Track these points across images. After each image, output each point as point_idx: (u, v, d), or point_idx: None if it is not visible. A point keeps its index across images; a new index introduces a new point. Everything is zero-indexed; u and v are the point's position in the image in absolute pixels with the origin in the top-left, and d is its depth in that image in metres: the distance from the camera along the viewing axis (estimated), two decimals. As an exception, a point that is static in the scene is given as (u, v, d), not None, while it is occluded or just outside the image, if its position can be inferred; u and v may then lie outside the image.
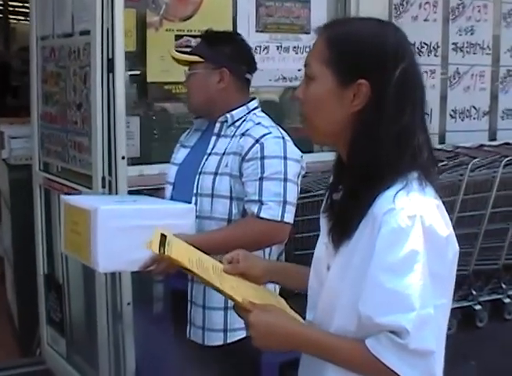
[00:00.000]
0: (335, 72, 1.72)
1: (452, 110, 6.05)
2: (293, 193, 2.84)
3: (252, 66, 3.10)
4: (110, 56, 3.54)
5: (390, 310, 1.57)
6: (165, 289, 3.68)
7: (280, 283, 2.29)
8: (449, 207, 1.76)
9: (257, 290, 1.97)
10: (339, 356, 1.66)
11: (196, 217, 2.90)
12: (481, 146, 5.99)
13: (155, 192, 3.47)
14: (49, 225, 4.56)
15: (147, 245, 1.97)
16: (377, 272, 1.59)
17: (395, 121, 1.67)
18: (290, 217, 2.83)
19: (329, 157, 4.70)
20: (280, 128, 2.97)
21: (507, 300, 5.78)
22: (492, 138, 6.35)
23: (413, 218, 1.59)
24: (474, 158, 5.37)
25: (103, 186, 3.62)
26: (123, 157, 3.56)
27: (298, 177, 2.91)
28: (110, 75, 3.55)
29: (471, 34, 6.10)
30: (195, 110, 3.14)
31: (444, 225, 1.64)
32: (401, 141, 1.67)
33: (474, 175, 5.33)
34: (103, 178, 3.62)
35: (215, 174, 2.91)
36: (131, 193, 3.66)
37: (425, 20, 5.66)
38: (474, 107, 6.21)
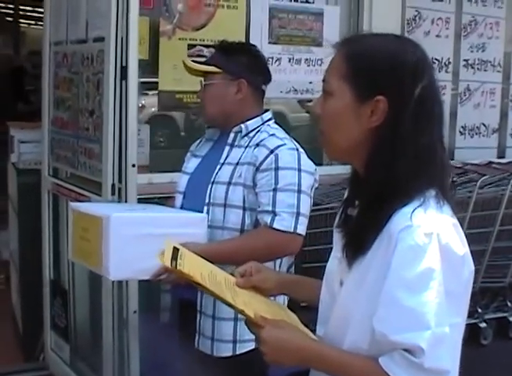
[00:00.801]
0: (353, 88, 1.72)
1: (462, 127, 6.04)
2: (306, 205, 2.84)
3: (268, 78, 3.11)
4: (124, 64, 3.54)
5: (405, 328, 1.56)
6: (172, 298, 3.66)
7: (291, 296, 2.27)
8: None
9: (268, 305, 1.96)
10: (350, 374, 1.66)
11: (208, 227, 2.89)
12: (490, 163, 5.96)
13: (164, 200, 3.47)
14: (57, 231, 4.57)
15: (159, 258, 1.95)
16: (393, 289, 1.59)
17: (414, 139, 1.67)
18: (302, 229, 2.83)
19: (338, 170, 4.77)
20: (294, 140, 2.97)
21: None
22: (501, 155, 6.33)
23: (430, 235, 1.59)
24: (483, 175, 5.36)
25: (113, 194, 3.62)
26: (133, 165, 3.56)
27: (312, 189, 2.91)
28: (123, 83, 3.55)
29: (483, 51, 6.10)
30: (210, 120, 3.13)
31: (460, 244, 1.64)
32: (419, 159, 1.67)
33: (483, 192, 5.32)
34: (113, 186, 3.62)
35: (229, 184, 2.91)
36: (140, 200, 3.66)
37: (437, 36, 5.66)
38: (484, 124, 6.20)
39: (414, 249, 1.58)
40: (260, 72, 3.06)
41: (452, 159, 5.80)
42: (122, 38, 3.54)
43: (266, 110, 3.07)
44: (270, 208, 2.80)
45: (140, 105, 4.52)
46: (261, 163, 2.85)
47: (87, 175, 3.97)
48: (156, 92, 4.34)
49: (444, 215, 1.66)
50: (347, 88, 1.72)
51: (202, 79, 3.08)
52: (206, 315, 2.94)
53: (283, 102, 5.29)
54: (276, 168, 2.83)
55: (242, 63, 3.01)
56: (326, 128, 1.78)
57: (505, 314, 5.75)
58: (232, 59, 3.01)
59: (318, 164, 3.15)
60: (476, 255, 5.14)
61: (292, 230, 2.79)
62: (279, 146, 2.87)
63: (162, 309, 4.09)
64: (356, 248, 1.71)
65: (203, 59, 3.36)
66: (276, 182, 2.81)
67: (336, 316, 1.79)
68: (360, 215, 1.74)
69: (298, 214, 2.80)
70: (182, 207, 3.06)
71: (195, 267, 1.97)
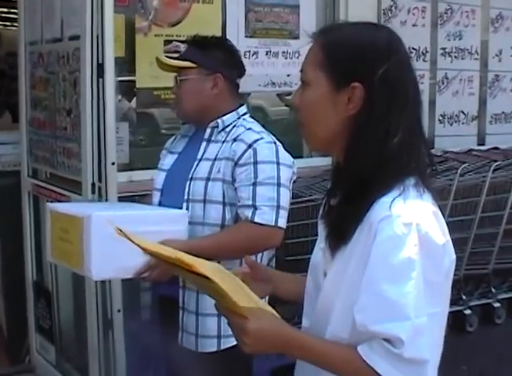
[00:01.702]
0: (329, 76, 1.71)
1: (441, 115, 6.05)
2: (286, 198, 2.84)
3: (242, 71, 3.11)
4: (100, 61, 3.53)
5: (385, 318, 1.56)
6: (153, 296, 3.65)
7: (276, 292, 2.22)
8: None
9: (252, 298, 1.93)
10: (331, 363, 1.65)
11: (188, 223, 2.88)
12: (470, 150, 5.98)
13: (142, 198, 3.45)
14: (38, 232, 4.53)
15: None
16: (373, 280, 1.58)
17: (386, 123, 1.66)
18: (283, 222, 2.83)
19: (318, 162, 4.76)
20: (270, 134, 2.97)
21: (497, 304, 5.78)
22: (481, 142, 6.35)
23: (409, 225, 1.58)
24: (464, 163, 5.39)
25: (93, 192, 3.60)
26: (113, 163, 3.55)
27: (290, 182, 2.91)
28: (100, 80, 3.53)
29: (459, 39, 6.11)
30: (186, 116, 3.10)
31: (440, 233, 1.62)
32: (392, 143, 1.66)
33: (464, 180, 5.35)
34: (93, 185, 3.61)
35: (207, 179, 2.89)
36: (121, 199, 3.64)
37: (414, 25, 5.66)
38: (463, 112, 6.22)
39: (393, 239, 1.57)
40: (235, 66, 3.06)
41: (432, 147, 5.79)
42: (98, 36, 3.52)
43: (241, 105, 3.07)
44: (250, 202, 2.80)
45: (118, 102, 4.52)
46: (240, 157, 2.85)
47: (66, 175, 3.95)
48: (134, 89, 4.33)
49: (424, 203, 1.65)
50: (324, 77, 1.72)
51: (176, 75, 3.05)
52: (189, 311, 2.93)
53: (262, 95, 5.26)
54: (255, 162, 2.83)
55: (217, 57, 2.99)
56: (305, 119, 1.78)
57: (489, 300, 5.76)
58: (208, 53, 2.98)
59: (298, 156, 3.16)
60: (458, 243, 5.19)
61: (273, 224, 2.79)
62: (256, 140, 2.87)
63: (145, 307, 4.08)
64: (338, 238, 1.71)
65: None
66: (256, 176, 2.81)
67: (319, 307, 1.79)
68: (340, 204, 1.74)
69: (278, 207, 2.80)
70: (159, 205, 3.04)
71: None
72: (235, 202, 2.86)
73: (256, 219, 2.78)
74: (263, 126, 3.03)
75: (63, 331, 4.44)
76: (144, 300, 4.09)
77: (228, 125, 2.97)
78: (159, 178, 3.10)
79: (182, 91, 3.01)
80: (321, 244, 1.82)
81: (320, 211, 1.88)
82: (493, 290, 5.79)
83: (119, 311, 3.65)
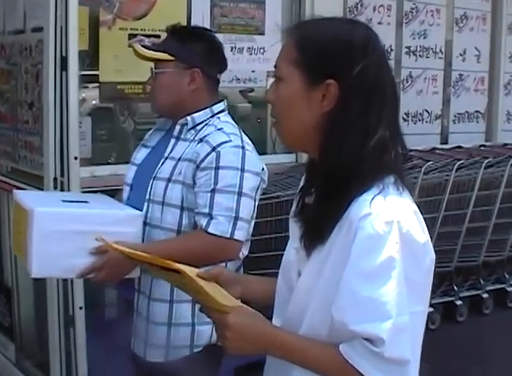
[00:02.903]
0: (303, 73, 1.69)
1: (405, 114, 6.08)
2: (247, 209, 2.66)
3: (223, 66, 2.90)
4: (64, 54, 3.45)
5: (365, 318, 1.53)
6: (118, 295, 3.60)
7: (248, 297, 2.16)
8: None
9: (227, 296, 1.89)
10: (313, 361, 1.62)
11: (147, 224, 2.74)
12: (434, 149, 6.04)
13: (114, 193, 3.34)
14: (-1, 226, 4.46)
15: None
16: (353, 279, 1.55)
17: (365, 122, 1.64)
18: (241, 234, 2.63)
19: (282, 159, 4.74)
20: (244, 137, 2.77)
21: (486, 295, 5.99)
22: (444, 141, 6.42)
23: (390, 223, 1.55)
24: (428, 161, 5.41)
25: (55, 187, 3.54)
26: (75, 158, 3.48)
27: (257, 191, 2.72)
28: (64, 74, 3.46)
29: (424, 37, 6.16)
30: (160, 110, 2.91)
31: (421, 232, 1.60)
32: (372, 143, 1.63)
33: (428, 178, 5.37)
34: (55, 179, 3.54)
35: (168, 180, 2.72)
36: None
37: (379, 23, 5.69)
38: (427, 111, 6.27)
39: (374, 238, 1.55)
40: (215, 60, 2.84)
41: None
42: (62, 28, 3.45)
43: (220, 101, 2.86)
44: (207, 211, 2.61)
45: (81, 97, 4.46)
46: (202, 160, 2.65)
47: (28, 169, 3.87)
48: (97, 83, 4.27)
49: (404, 201, 1.62)
50: (298, 74, 1.69)
51: (152, 66, 2.88)
52: (141, 316, 2.81)
53: (225, 92, 5.23)
54: (217, 168, 2.63)
55: (197, 50, 2.78)
56: (279, 115, 1.75)
57: (478, 291, 5.97)
58: (187, 46, 2.78)
59: (262, 153, 3.08)
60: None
61: (228, 236, 2.60)
62: (222, 143, 2.66)
63: (109, 305, 4.03)
64: (314, 237, 1.67)
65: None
66: (215, 183, 2.62)
67: (293, 306, 1.75)
68: (316, 203, 1.71)
69: (237, 218, 2.61)
70: (128, 201, 2.90)
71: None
72: (194, 207, 2.67)
73: (210, 229, 2.60)
74: (239, 127, 2.84)
75: (24, 329, 4.36)
76: (108, 298, 4.03)
77: (200, 123, 2.77)
78: (129, 172, 2.94)
79: (156, 84, 2.84)
80: (294, 244, 1.78)
81: (293, 209, 1.84)
82: (482, 281, 6.00)
83: (81, 308, 3.59)
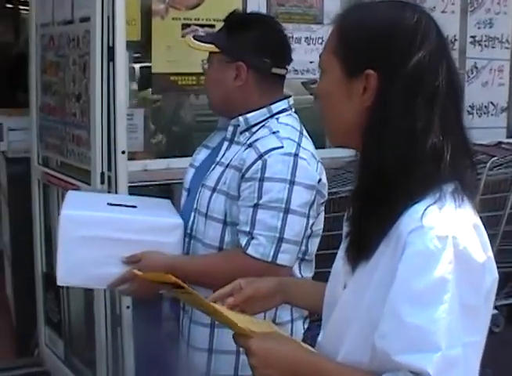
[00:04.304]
0: (342, 62, 1.53)
1: (470, 106, 5.82)
2: (296, 229, 2.34)
3: (281, 58, 2.54)
4: (111, 45, 3.33)
5: (410, 348, 1.34)
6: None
7: (293, 303, 2.02)
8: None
9: (257, 323, 1.75)
10: None
11: (192, 237, 2.52)
12: (499, 143, 5.76)
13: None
14: (48, 222, 4.38)
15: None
16: (398, 302, 1.36)
17: (406, 119, 1.45)
18: (286, 258, 2.33)
19: (341, 153, 4.53)
20: (304, 142, 2.43)
21: None
22: (511, 135, 6.13)
23: (445, 239, 1.36)
24: (493, 156, 5.19)
25: (102, 182, 3.41)
26: (123, 152, 3.35)
27: (311, 207, 2.39)
28: (111, 64, 3.34)
29: (490, 27, 5.89)
30: (212, 108, 2.68)
31: (481, 249, 1.40)
32: (418, 142, 1.44)
33: (493, 174, 5.16)
34: (102, 174, 3.41)
35: (213, 190, 2.46)
36: (134, 189, 3.46)
37: (443, 12, 5.45)
38: (492, 103, 6.00)
39: (425, 255, 1.36)
40: (268, 52, 2.48)
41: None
42: (109, 17, 3.32)
43: (281, 99, 2.53)
44: (247, 229, 2.32)
45: (133, 88, 4.37)
46: (247, 169, 2.35)
47: (76, 164, 3.77)
48: (150, 74, 4.18)
49: (463, 213, 1.43)
50: (337, 63, 1.54)
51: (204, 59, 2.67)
52: (184, 338, 2.63)
53: (287, 83, 5.10)
54: (261, 179, 2.32)
55: (244, 41, 2.48)
56: (322, 109, 1.60)
57: None
58: (234, 36, 2.50)
59: (320, 147, 2.83)
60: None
61: (269, 259, 2.30)
62: (271, 150, 2.34)
63: (155, 305, 3.92)
64: (358, 252, 1.50)
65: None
66: (259, 197, 2.32)
67: (334, 322, 1.60)
68: (360, 212, 1.53)
69: (281, 239, 2.30)
70: (184, 207, 2.67)
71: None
72: (238, 223, 2.39)
73: (249, 251, 2.31)
74: (305, 130, 2.51)
75: (72, 325, 4.29)
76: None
77: (256, 124, 2.47)
78: (188, 175, 2.70)
79: (206, 78, 2.65)
80: (341, 253, 1.61)
81: (346, 213, 1.66)
82: None
83: (128, 307, 3.48)
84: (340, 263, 1.63)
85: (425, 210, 1.40)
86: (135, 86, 4.37)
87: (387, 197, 1.44)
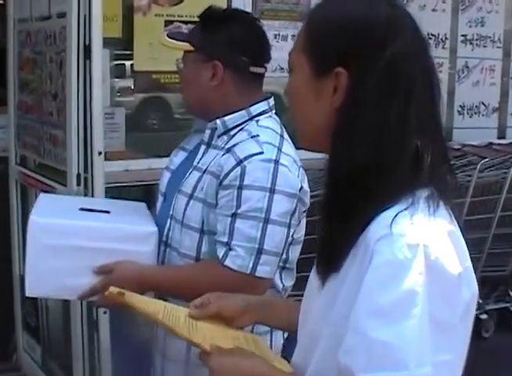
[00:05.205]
0: (311, 60, 1.42)
1: (460, 106, 5.79)
2: (276, 239, 2.22)
3: (259, 56, 2.41)
4: (87, 42, 3.21)
5: (375, 366, 1.22)
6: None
7: (265, 323, 1.90)
8: (456, 211, 1.40)
9: (235, 337, 1.66)
10: None
11: (167, 245, 2.41)
12: (490, 144, 5.72)
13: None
14: (26, 223, 4.25)
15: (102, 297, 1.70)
16: (363, 316, 1.25)
17: (376, 120, 1.33)
18: (266, 270, 2.22)
19: (325, 154, 4.44)
20: (285, 147, 2.30)
21: None
22: (501, 136, 6.08)
23: (415, 248, 1.24)
24: (483, 158, 5.12)
25: (78, 184, 3.29)
26: (100, 153, 3.23)
27: (292, 216, 2.27)
28: (87, 63, 3.23)
29: (482, 25, 5.83)
30: (189, 109, 2.58)
31: (456, 260, 1.28)
32: (388, 144, 1.33)
33: (483, 176, 5.09)
34: (78, 176, 3.30)
35: (190, 197, 2.33)
36: (115, 189, 3.35)
37: (433, 10, 5.39)
38: (483, 103, 5.94)
39: (393, 265, 1.24)
40: (246, 50, 2.37)
41: (450, 140, 5.52)
42: (85, 14, 3.21)
43: (262, 100, 2.40)
44: (225, 239, 2.21)
45: (116, 87, 4.27)
46: (226, 176, 2.23)
47: (53, 164, 3.65)
48: (132, 72, 4.10)
49: (437, 220, 1.31)
50: (306, 61, 1.42)
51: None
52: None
53: (276, 81, 5.02)
54: (240, 187, 2.20)
55: (220, 38, 2.35)
56: (291, 110, 1.49)
57: (507, 304, 5.54)
58: (210, 34, 2.37)
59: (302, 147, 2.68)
60: (476, 243, 4.93)
61: (248, 271, 2.19)
62: (250, 156, 2.22)
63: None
64: (327, 265, 1.39)
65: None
66: (238, 206, 2.19)
67: (304, 338, 1.49)
68: (327, 219, 1.41)
69: (260, 251, 2.19)
70: (159, 212, 2.54)
71: (146, 302, 1.70)
72: (216, 231, 2.27)
73: (227, 262, 2.20)
74: (285, 133, 2.36)
75: (50, 330, 4.18)
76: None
77: (234, 127, 2.34)
78: (163, 179, 2.57)
79: (181, 78, 2.53)
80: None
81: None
82: (511, 293, 5.58)
83: (105, 313, 3.38)
84: (313, 277, 1.52)
85: (395, 216, 1.28)
86: (116, 84, 4.27)
87: (358, 203, 1.33)
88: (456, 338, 1.29)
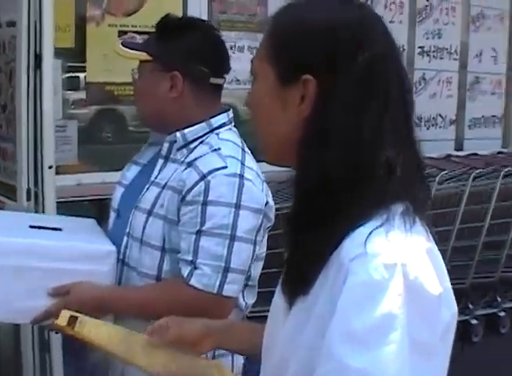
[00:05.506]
0: (275, 67, 1.33)
1: (418, 118, 5.75)
2: (242, 257, 2.13)
3: (219, 67, 2.32)
4: (38, 52, 3.11)
5: None
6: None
7: (228, 348, 1.82)
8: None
9: (196, 365, 1.58)
10: None
11: (125, 264, 2.28)
12: (448, 156, 5.76)
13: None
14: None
15: (53, 323, 1.61)
16: (337, 342, 1.15)
17: (349, 130, 1.25)
18: (233, 289, 2.13)
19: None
20: (248, 160, 2.22)
21: (502, 314, 5.68)
22: (459, 148, 6.13)
23: (393, 267, 1.15)
24: (442, 170, 5.13)
25: (28, 199, 3.17)
26: (50, 167, 3.12)
27: (258, 233, 2.18)
28: (38, 73, 3.12)
29: (439, 37, 5.88)
30: (145, 122, 2.46)
31: (436, 279, 1.20)
32: (361, 156, 1.25)
33: (442, 189, 5.09)
34: (28, 190, 3.18)
35: (149, 213, 2.22)
36: (67, 204, 3.26)
37: (391, 22, 5.35)
38: (441, 115, 5.97)
39: (369, 286, 1.15)
40: (205, 60, 2.27)
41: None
42: (36, 22, 3.10)
43: (223, 112, 2.32)
44: (190, 258, 2.11)
45: (68, 99, 4.17)
46: (188, 191, 2.13)
47: (2, 178, 3.53)
48: (84, 84, 4.01)
49: (414, 237, 1.22)
50: (270, 69, 1.33)
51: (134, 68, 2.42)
52: None
53: (229, 93, 4.97)
54: (204, 203, 2.11)
55: (178, 48, 2.25)
56: (253, 121, 1.39)
57: (495, 310, 5.66)
58: (168, 43, 2.26)
59: (262, 160, 2.60)
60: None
61: (215, 291, 2.10)
62: (214, 170, 2.13)
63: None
64: (294, 286, 1.29)
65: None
66: (202, 223, 2.10)
67: (270, 365, 1.39)
68: (295, 236, 1.32)
69: (227, 269, 2.10)
70: (112, 229, 2.43)
71: (101, 330, 1.62)
72: (179, 250, 2.17)
73: (192, 282, 2.10)
74: (245, 146, 2.29)
75: (1, 350, 4.04)
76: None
77: (194, 140, 2.24)
78: (116, 194, 2.44)
79: (136, 89, 2.40)
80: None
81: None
82: (499, 299, 5.70)
83: (57, 333, 3.26)
84: (278, 298, 1.42)
85: (370, 234, 1.19)
86: (68, 96, 4.17)
87: (327, 219, 1.24)
88: (435, 360, 1.20)
